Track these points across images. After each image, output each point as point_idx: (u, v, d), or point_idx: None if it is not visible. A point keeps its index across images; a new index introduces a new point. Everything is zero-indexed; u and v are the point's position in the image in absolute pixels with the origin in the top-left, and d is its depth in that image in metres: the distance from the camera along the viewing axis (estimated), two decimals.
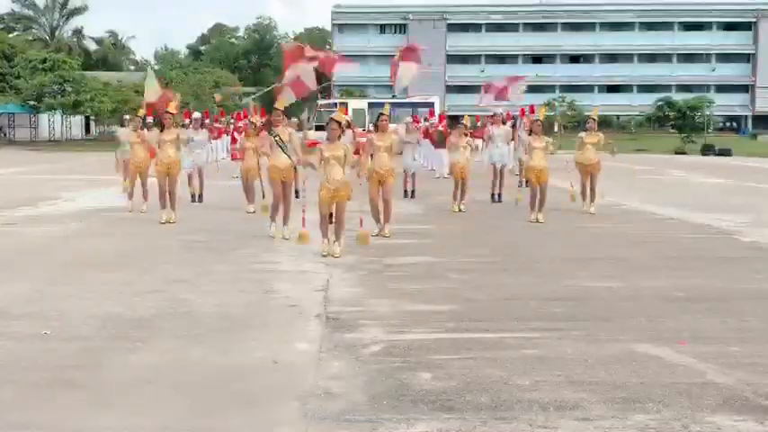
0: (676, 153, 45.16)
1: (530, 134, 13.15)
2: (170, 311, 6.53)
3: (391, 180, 10.92)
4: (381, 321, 6.25)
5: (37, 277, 7.95)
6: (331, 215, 9.37)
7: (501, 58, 78.53)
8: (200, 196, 15.43)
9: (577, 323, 6.22)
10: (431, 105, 36.48)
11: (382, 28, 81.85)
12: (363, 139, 13.31)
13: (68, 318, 6.30)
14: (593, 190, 13.65)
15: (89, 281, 7.79)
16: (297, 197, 15.65)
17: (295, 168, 10.63)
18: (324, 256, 9.20)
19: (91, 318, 6.30)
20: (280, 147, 10.42)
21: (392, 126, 12.09)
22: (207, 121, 25.01)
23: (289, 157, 10.43)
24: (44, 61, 50.17)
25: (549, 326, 6.13)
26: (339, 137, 9.41)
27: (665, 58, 78.16)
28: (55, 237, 10.93)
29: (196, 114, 17.15)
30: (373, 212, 11.01)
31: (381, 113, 11.08)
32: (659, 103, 58.97)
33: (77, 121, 63.20)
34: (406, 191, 16.71)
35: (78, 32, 79.94)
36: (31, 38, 72.27)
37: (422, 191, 17.08)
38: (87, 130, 66.53)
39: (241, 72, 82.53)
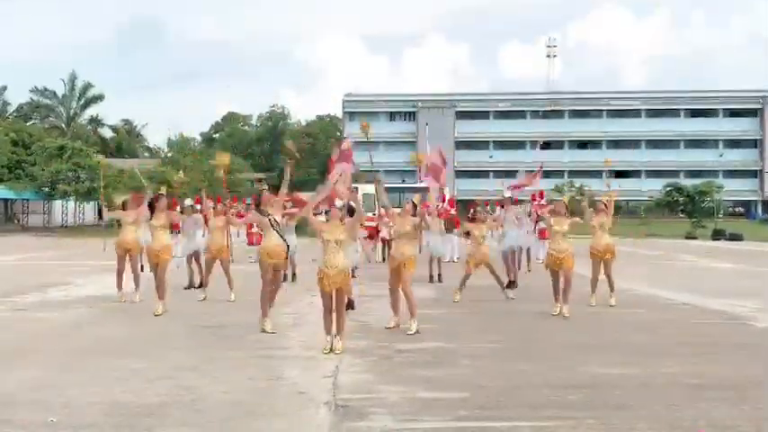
0: (687, 238, 45.05)
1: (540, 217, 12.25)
2: (178, 399, 6.46)
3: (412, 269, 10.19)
4: (392, 409, 6.16)
5: (45, 364, 7.90)
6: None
7: (509, 145, 79.65)
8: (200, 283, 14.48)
9: (592, 411, 6.11)
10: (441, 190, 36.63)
11: (392, 115, 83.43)
12: (372, 224, 13.28)
13: (75, 405, 6.23)
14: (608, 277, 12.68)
15: (97, 367, 7.73)
16: (293, 280, 15.61)
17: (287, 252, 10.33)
18: (326, 353, 8.41)
19: (98, 405, 6.23)
20: (274, 228, 9.99)
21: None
22: (219, 206, 25.11)
23: (282, 238, 10.05)
24: (61, 149, 51.05)
25: (563, 414, 6.02)
26: (341, 218, 8.70)
27: (672, 144, 78.99)
28: (64, 323, 10.90)
29: (187, 201, 16.99)
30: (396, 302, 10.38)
31: (412, 200, 10.41)
32: (668, 189, 59.27)
33: (90, 206, 63.88)
34: (431, 276, 16.65)
35: (95, 121, 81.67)
36: (47, 126, 73.79)
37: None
38: (100, 215, 67.13)
39: (254, 159, 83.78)
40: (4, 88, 76.38)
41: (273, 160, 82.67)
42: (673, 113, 79.20)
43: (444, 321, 11.18)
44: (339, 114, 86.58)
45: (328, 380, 7.22)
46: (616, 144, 79.45)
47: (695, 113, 79.39)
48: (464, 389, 6.85)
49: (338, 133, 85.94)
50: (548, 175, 69.52)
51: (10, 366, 7.78)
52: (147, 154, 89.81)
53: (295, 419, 5.91)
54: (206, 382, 7.07)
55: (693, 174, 70.97)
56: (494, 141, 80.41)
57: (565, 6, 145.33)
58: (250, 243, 23.99)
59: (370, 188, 37.46)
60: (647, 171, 78.07)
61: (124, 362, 7.98)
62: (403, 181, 55.45)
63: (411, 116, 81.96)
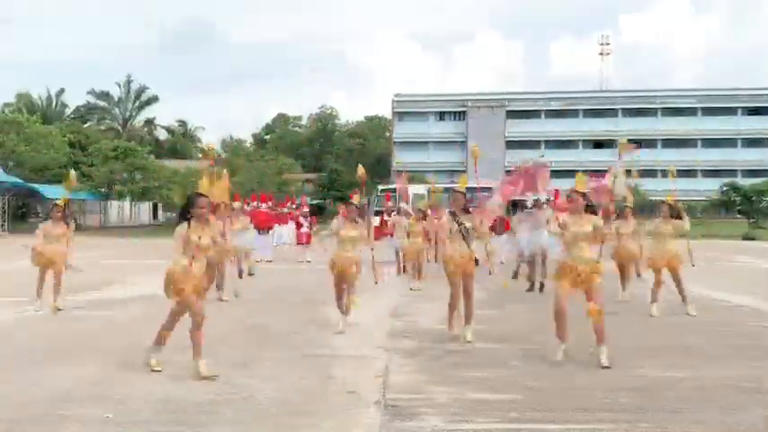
0: (744, 239, 44.02)
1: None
2: (229, 396, 6.53)
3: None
4: (441, 410, 6.14)
5: (102, 361, 8.06)
6: None
7: (561, 144, 78.78)
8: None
9: (645, 414, 6.01)
10: (490, 190, 36.49)
11: (441, 115, 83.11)
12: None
13: (130, 401, 6.35)
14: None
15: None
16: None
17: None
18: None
19: (152, 401, 6.34)
20: (462, 234, 9.30)
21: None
22: (265, 205, 25.17)
23: (468, 246, 9.31)
24: (115, 149, 52.13)
25: (616, 417, 5.93)
26: (355, 219, 10.21)
27: (729, 142, 77.25)
28: (120, 320, 11.13)
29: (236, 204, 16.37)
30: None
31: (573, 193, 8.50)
32: (724, 188, 58.01)
33: (146, 207, 65.22)
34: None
35: (150, 122, 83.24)
36: (104, 128, 75.45)
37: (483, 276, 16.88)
38: (155, 215, 68.51)
39: (304, 159, 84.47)
40: (62, 90, 78.36)
41: (323, 160, 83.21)
42: (729, 111, 77.39)
43: (494, 321, 11.11)
44: (388, 115, 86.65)
45: (378, 379, 7.23)
46: (671, 143, 78.00)
47: (753, 111, 77.47)
48: (515, 390, 6.80)
49: (387, 134, 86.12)
50: (602, 173, 68.84)
51: (68, 363, 7.96)
52: (200, 155, 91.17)
53: (345, 418, 5.93)
54: (257, 380, 7.14)
55: (751, 173, 69.34)
56: (545, 140, 79.60)
57: (618, 3, 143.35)
58: (299, 243, 24.04)
59: (420, 189, 37.43)
60: (702, 170, 76.49)
61: (177, 359, 8.08)
62: (452, 181, 55.28)
63: (461, 116, 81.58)
